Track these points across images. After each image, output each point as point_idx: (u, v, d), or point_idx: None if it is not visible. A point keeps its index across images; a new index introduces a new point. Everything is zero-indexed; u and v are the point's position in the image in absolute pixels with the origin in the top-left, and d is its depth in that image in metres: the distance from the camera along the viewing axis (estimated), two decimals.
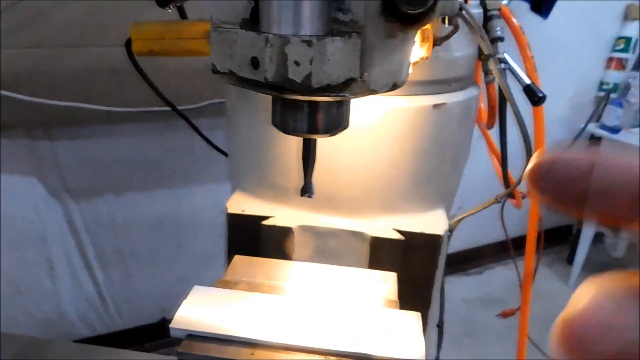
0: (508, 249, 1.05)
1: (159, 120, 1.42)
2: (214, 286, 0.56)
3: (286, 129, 0.46)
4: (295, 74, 0.35)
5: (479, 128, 1.02)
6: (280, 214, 0.82)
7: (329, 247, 0.81)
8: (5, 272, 1.43)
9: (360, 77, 0.37)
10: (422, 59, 0.66)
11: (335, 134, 0.47)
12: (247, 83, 0.38)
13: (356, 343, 0.47)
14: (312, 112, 0.43)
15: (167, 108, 1.01)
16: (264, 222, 0.81)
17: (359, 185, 0.81)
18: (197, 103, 1.31)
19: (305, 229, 0.81)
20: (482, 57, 0.77)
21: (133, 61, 0.76)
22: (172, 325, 0.49)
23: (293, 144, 0.82)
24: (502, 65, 0.76)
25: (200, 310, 0.51)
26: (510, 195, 0.93)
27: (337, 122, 0.45)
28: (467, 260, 2.51)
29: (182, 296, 0.58)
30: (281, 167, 0.84)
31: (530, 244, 0.94)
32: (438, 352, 0.96)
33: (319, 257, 0.81)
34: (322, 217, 0.82)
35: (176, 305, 0.56)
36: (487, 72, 0.80)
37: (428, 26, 0.62)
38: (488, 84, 0.81)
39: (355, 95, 0.38)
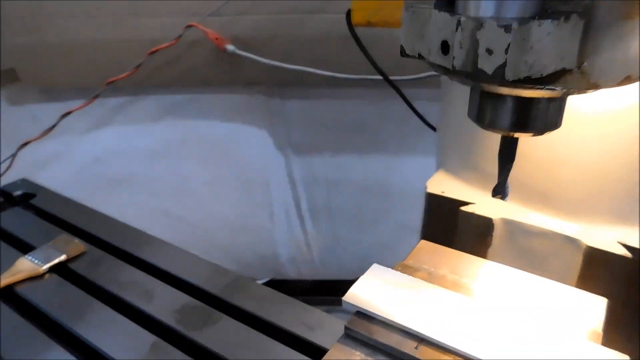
0: None
1: (379, 87, 1.44)
2: (394, 268, 0.54)
3: (482, 123, 0.41)
4: (486, 64, 0.29)
5: None
6: (483, 202, 0.76)
7: (533, 249, 0.72)
8: (236, 207, 1.67)
9: (578, 68, 0.29)
10: None
11: (541, 133, 0.40)
12: (436, 68, 0.33)
13: None
14: (516, 107, 0.36)
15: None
16: (463, 208, 0.75)
17: (584, 185, 0.68)
18: (417, 74, 1.29)
19: (509, 223, 0.73)
20: None
21: (352, 31, 0.77)
22: (344, 298, 0.49)
23: None
24: None
25: (375, 290, 0.50)
26: None
27: (545, 121, 0.38)
28: None
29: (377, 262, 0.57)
30: (490, 151, 0.76)
31: None
32: None
33: (519, 258, 0.72)
34: (531, 214, 0.73)
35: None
36: None
37: None
38: None
39: (570, 89, 0.31)
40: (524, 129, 0.39)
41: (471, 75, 0.30)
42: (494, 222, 0.73)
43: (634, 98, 0.59)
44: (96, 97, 1.46)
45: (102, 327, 0.61)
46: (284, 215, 1.71)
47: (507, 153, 0.44)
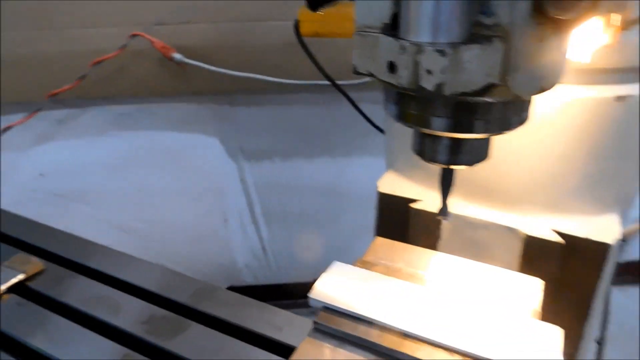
0: None
1: (326, 92, 1.48)
2: (353, 264, 0.58)
3: (424, 157, 0.47)
4: (427, 82, 0.35)
5: None
6: (431, 199, 0.81)
7: (478, 240, 0.78)
8: (191, 216, 1.67)
9: (502, 82, 0.35)
10: (605, 46, 0.58)
11: (472, 165, 0.47)
12: (386, 84, 0.38)
13: (484, 347, 0.46)
14: (451, 146, 0.44)
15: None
16: (412, 205, 0.81)
17: (521, 179, 0.75)
18: (362, 78, 1.34)
19: (455, 217, 0.79)
20: None
21: (300, 41, 0.80)
22: (310, 295, 0.53)
23: None
24: None
25: (338, 286, 0.54)
26: None
27: (475, 156, 0.45)
28: None
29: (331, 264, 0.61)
30: None
31: None
32: None
33: (466, 248, 0.78)
34: (475, 207, 0.79)
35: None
36: None
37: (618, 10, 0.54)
38: None
39: (496, 99, 0.37)
40: (458, 163, 0.46)
41: (415, 90, 0.36)
42: None
43: (557, 104, 0.67)
44: (37, 110, 1.43)
45: (71, 344, 0.61)
46: (238, 221, 1.72)
47: (446, 181, 0.51)
